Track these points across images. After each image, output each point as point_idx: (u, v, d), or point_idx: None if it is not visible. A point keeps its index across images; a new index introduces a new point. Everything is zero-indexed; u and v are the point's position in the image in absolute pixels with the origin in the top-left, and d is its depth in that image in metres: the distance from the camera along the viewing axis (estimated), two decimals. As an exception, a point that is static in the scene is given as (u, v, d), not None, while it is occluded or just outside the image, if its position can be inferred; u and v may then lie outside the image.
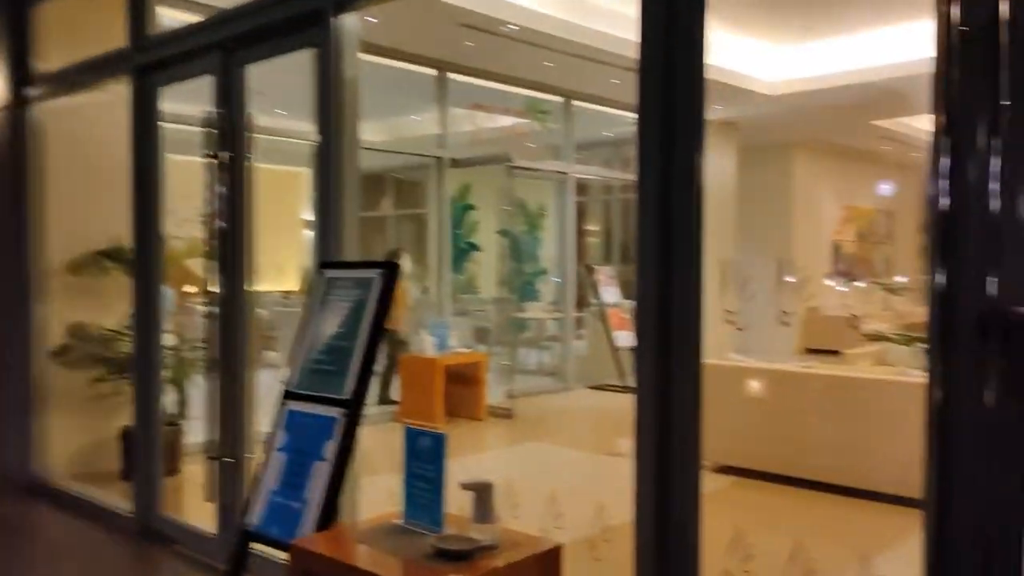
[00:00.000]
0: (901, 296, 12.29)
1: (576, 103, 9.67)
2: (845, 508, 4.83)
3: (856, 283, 13.23)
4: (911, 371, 5.63)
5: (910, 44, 7.64)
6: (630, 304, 9.68)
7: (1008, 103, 1.63)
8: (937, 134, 1.69)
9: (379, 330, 2.62)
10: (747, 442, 5.40)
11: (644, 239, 2.39)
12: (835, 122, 10.99)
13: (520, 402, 8.24)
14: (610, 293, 9.59)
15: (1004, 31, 1.67)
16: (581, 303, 10.36)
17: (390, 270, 2.69)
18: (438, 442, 2.25)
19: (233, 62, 3.64)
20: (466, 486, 2.16)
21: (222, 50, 3.68)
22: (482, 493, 2.15)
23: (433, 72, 8.36)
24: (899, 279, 13.14)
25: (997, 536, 1.73)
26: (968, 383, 1.76)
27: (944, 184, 1.67)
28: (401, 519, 2.25)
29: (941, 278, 1.74)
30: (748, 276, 11.15)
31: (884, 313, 12.34)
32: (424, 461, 2.26)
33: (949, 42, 1.73)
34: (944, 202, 1.67)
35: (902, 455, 4.78)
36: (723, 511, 4.72)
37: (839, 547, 4.26)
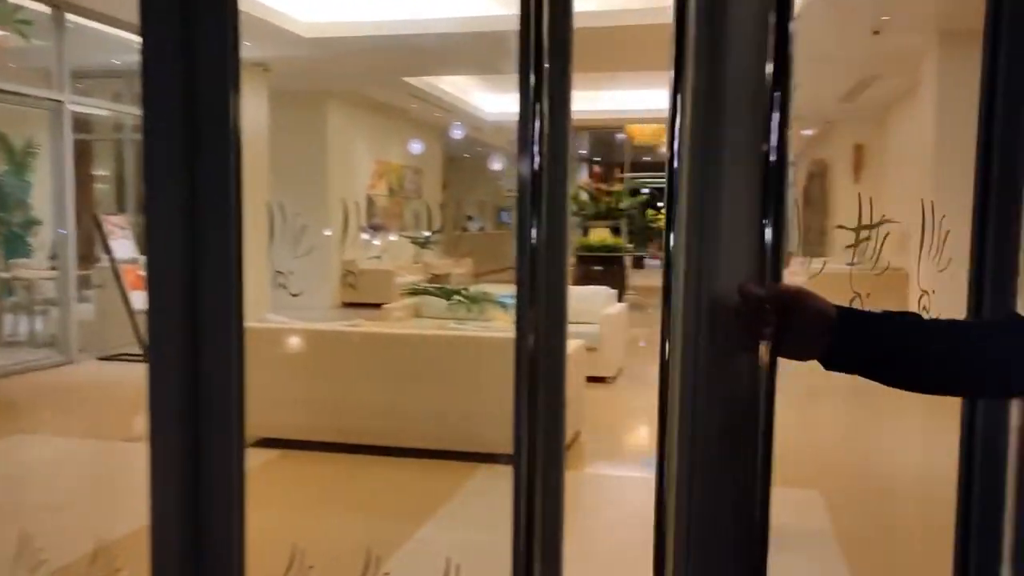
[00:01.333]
0: (429, 249, 12.96)
1: (72, 18, 7.95)
2: (396, 470, 4.66)
3: (390, 237, 13.60)
4: (451, 325, 5.71)
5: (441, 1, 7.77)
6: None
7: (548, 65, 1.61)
8: (525, 98, 1.58)
9: None
10: (291, 411, 4.92)
11: (158, 184, 1.89)
12: (368, 74, 10.94)
13: (5, 383, 6.61)
14: (123, 247, 8.22)
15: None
16: (87, 259, 8.77)
17: None
18: None
19: None
20: None
21: None
22: None
23: None
24: (426, 233, 13.86)
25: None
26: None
27: (535, 147, 1.62)
28: None
29: (533, 233, 1.67)
30: (303, 227, 10.64)
31: (415, 266, 12.90)
32: None
33: (538, 4, 1.58)
34: (537, 161, 1.62)
35: (448, 411, 4.79)
36: (269, 492, 4.20)
37: (395, 513, 4.05)
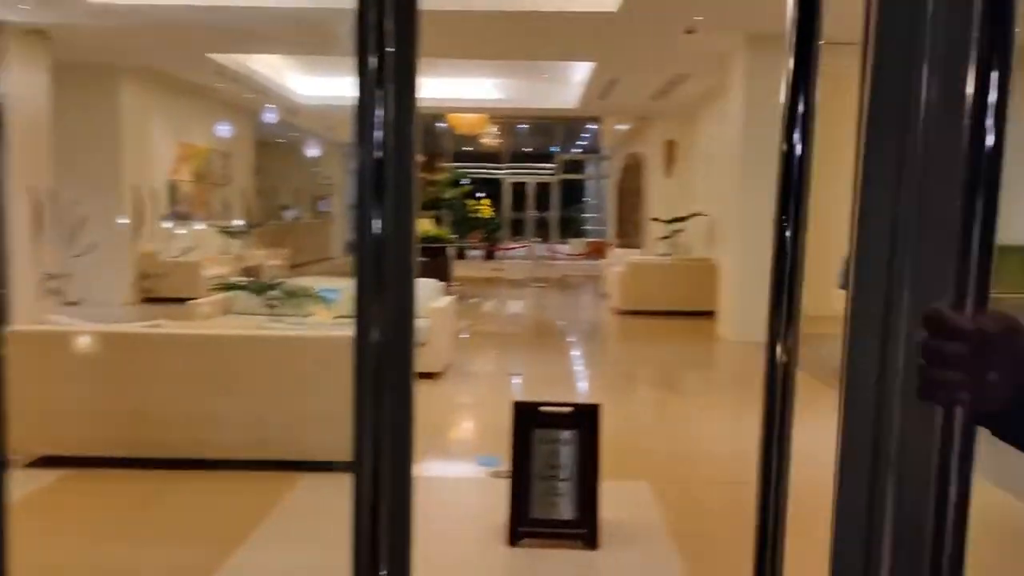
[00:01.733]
0: (239, 240, 12.15)
1: None
2: (204, 486, 4.19)
3: (195, 226, 12.61)
4: (266, 323, 5.28)
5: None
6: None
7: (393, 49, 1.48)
8: (364, 83, 1.44)
9: None
10: (78, 423, 4.32)
11: None
12: (167, 48, 10.01)
13: None
14: None
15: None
16: None
17: None
18: None
19: None
20: None
21: None
22: None
23: None
24: (237, 222, 12.98)
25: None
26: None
27: (379, 135, 1.47)
28: None
29: (376, 224, 1.52)
30: (83, 219, 9.60)
31: (224, 257, 12.03)
32: None
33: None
34: (378, 153, 1.49)
35: (264, 417, 4.38)
36: (49, 520, 3.62)
37: (204, 536, 3.61)
